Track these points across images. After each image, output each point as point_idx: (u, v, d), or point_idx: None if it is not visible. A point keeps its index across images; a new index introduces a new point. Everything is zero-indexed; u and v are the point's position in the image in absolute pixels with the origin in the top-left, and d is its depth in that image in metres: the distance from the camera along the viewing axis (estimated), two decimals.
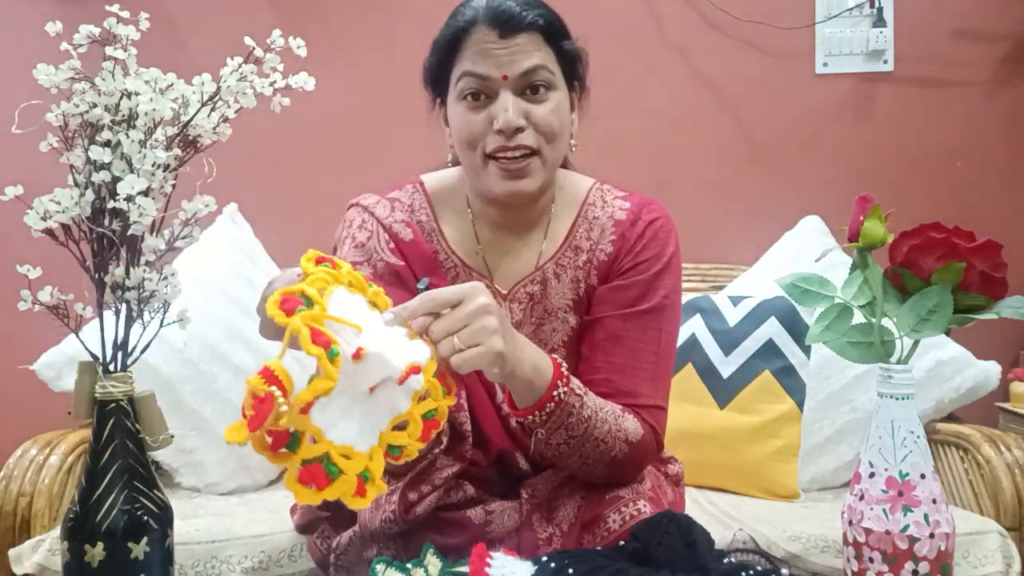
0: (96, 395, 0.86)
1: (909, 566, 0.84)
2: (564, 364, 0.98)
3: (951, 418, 1.80)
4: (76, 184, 0.85)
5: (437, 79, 1.09)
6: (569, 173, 1.19)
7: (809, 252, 1.80)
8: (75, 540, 0.83)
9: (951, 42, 2.21)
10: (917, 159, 2.21)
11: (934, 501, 0.85)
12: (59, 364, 1.62)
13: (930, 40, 2.20)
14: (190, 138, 0.88)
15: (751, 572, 0.83)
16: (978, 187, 2.22)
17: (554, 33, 1.05)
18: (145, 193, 0.83)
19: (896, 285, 0.91)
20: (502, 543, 1.01)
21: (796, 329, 1.68)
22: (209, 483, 1.68)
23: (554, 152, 1.06)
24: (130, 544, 0.83)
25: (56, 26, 0.86)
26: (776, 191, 2.20)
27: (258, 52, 0.88)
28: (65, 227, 0.85)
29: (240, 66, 0.88)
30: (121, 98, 0.85)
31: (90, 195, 0.84)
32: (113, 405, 0.86)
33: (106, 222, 0.84)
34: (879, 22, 2.18)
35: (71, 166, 0.85)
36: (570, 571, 0.83)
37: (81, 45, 0.86)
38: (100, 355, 0.87)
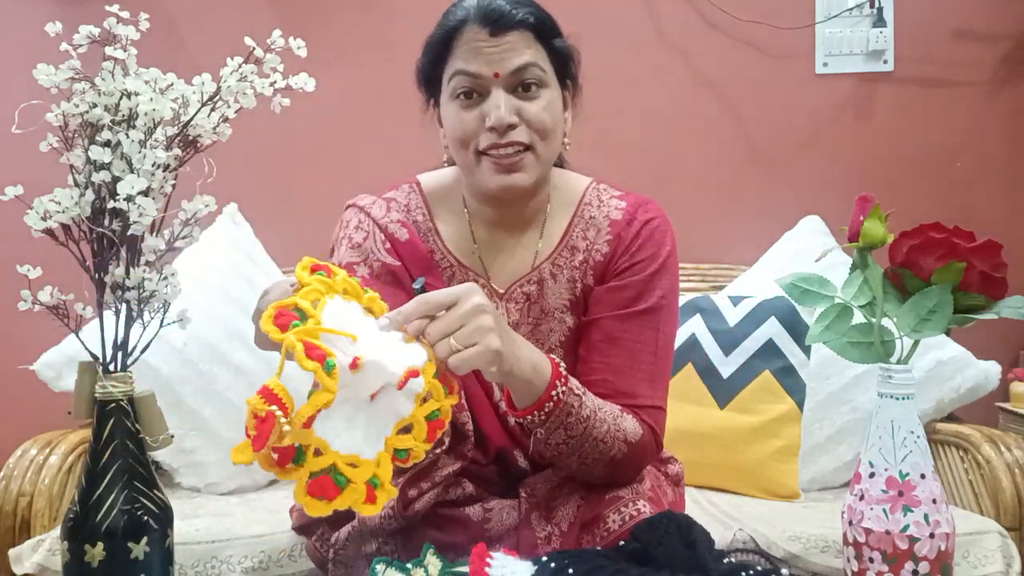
0: (96, 395, 0.86)
1: (909, 566, 0.84)
2: (563, 364, 0.98)
3: (951, 418, 1.80)
4: (76, 184, 0.85)
5: (430, 79, 1.10)
6: (565, 172, 1.20)
7: (809, 252, 1.80)
8: (75, 540, 0.83)
9: (951, 42, 2.20)
10: (917, 159, 2.21)
11: (934, 501, 0.85)
12: (59, 364, 1.62)
13: (930, 40, 2.20)
14: (190, 138, 0.88)
15: (751, 572, 0.83)
16: (978, 187, 2.22)
17: (545, 31, 1.06)
18: (145, 193, 0.83)
19: (896, 285, 0.91)
20: (500, 541, 1.01)
21: (796, 329, 1.68)
22: (209, 483, 1.68)
23: (547, 149, 1.06)
24: (130, 544, 0.83)
25: (56, 26, 0.86)
26: (776, 191, 2.20)
27: (258, 52, 0.88)
28: (65, 227, 0.85)
29: (240, 66, 0.88)
30: (121, 98, 0.85)
31: (90, 195, 0.84)
32: (113, 405, 0.86)
33: (106, 222, 0.84)
34: (879, 22, 2.18)
35: (71, 166, 0.85)
36: (570, 571, 0.83)
37: (81, 45, 0.86)
38: (100, 355, 0.87)
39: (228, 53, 0.89)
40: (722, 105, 2.22)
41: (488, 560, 0.85)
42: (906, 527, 0.84)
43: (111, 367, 0.87)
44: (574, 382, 0.98)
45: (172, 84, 0.88)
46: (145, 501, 0.85)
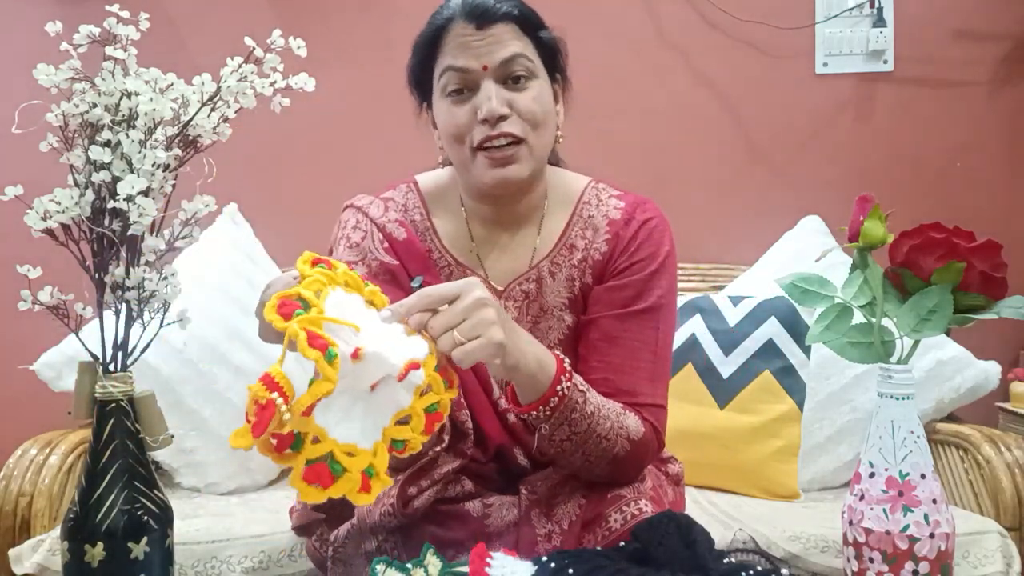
0: (96, 395, 0.86)
1: (909, 566, 0.84)
2: (567, 360, 0.98)
3: (951, 418, 1.80)
4: (76, 184, 0.85)
5: (421, 80, 1.11)
6: (564, 172, 1.20)
7: (809, 252, 1.81)
8: (75, 540, 0.83)
9: (951, 42, 2.21)
10: (917, 159, 2.21)
11: (934, 501, 0.85)
12: (59, 364, 1.62)
13: (930, 40, 2.20)
14: (190, 138, 0.88)
15: (751, 572, 0.83)
16: (978, 187, 2.22)
17: (529, 23, 1.07)
18: (145, 193, 0.83)
19: (896, 285, 0.91)
20: (500, 537, 1.01)
21: (796, 329, 1.68)
22: (209, 483, 1.68)
23: (540, 140, 1.07)
24: (130, 544, 0.83)
25: (56, 26, 0.86)
26: (776, 191, 2.20)
27: (258, 52, 0.88)
28: (65, 227, 0.85)
29: (240, 66, 0.88)
30: (121, 98, 0.85)
31: (90, 195, 0.84)
32: (113, 405, 0.86)
33: (106, 222, 0.84)
34: (879, 22, 2.18)
35: (71, 166, 0.85)
36: (570, 571, 0.83)
37: (81, 45, 0.86)
38: (100, 355, 0.87)
39: (228, 53, 0.89)
40: (722, 105, 2.22)
41: (488, 560, 0.85)
42: (906, 527, 0.84)
43: (111, 367, 0.87)
44: (578, 378, 0.99)
45: (172, 84, 0.88)
46: (145, 501, 0.85)
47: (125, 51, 0.86)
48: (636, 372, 1.07)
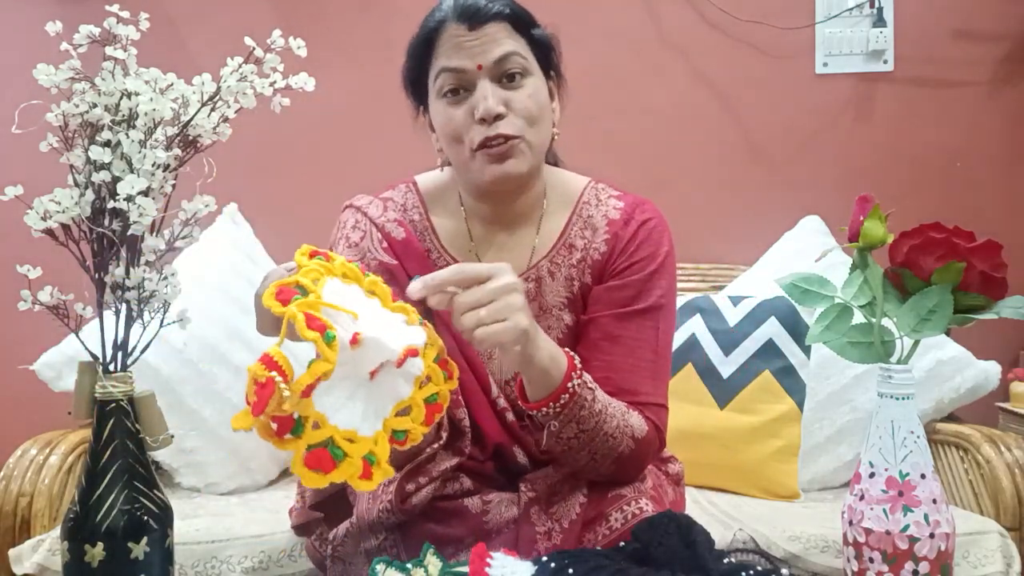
0: (96, 395, 0.86)
1: (909, 566, 0.84)
2: (577, 357, 0.98)
3: (951, 418, 1.80)
4: (76, 184, 0.85)
5: (416, 83, 1.11)
6: (563, 172, 1.20)
7: (809, 252, 1.80)
8: (75, 540, 0.83)
9: (951, 42, 2.20)
10: (917, 159, 2.21)
11: (934, 501, 0.85)
12: (59, 364, 1.62)
13: (930, 40, 2.20)
14: (190, 138, 0.88)
15: (751, 572, 0.83)
16: (978, 187, 2.22)
17: (521, 21, 1.07)
18: (145, 193, 0.83)
19: (896, 285, 0.91)
20: (499, 534, 1.01)
21: (796, 329, 1.68)
22: (209, 483, 1.68)
23: (537, 136, 1.07)
24: (130, 544, 0.83)
25: (56, 26, 0.86)
26: (776, 191, 2.20)
27: (258, 52, 0.88)
28: (65, 227, 0.85)
29: (240, 66, 0.88)
30: (121, 98, 0.85)
31: (90, 195, 0.84)
32: (113, 405, 0.86)
33: (106, 222, 0.84)
34: (879, 22, 2.18)
35: (71, 166, 0.85)
36: (570, 571, 0.83)
37: (81, 45, 0.86)
38: (100, 355, 0.87)
39: (228, 53, 0.89)
40: (722, 105, 2.22)
41: (488, 560, 0.85)
42: (906, 527, 0.84)
43: (111, 367, 0.87)
44: (587, 376, 0.99)
45: (172, 84, 0.88)
46: (145, 501, 0.85)
47: (125, 51, 0.86)
48: (637, 371, 1.07)
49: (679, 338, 1.75)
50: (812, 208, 2.05)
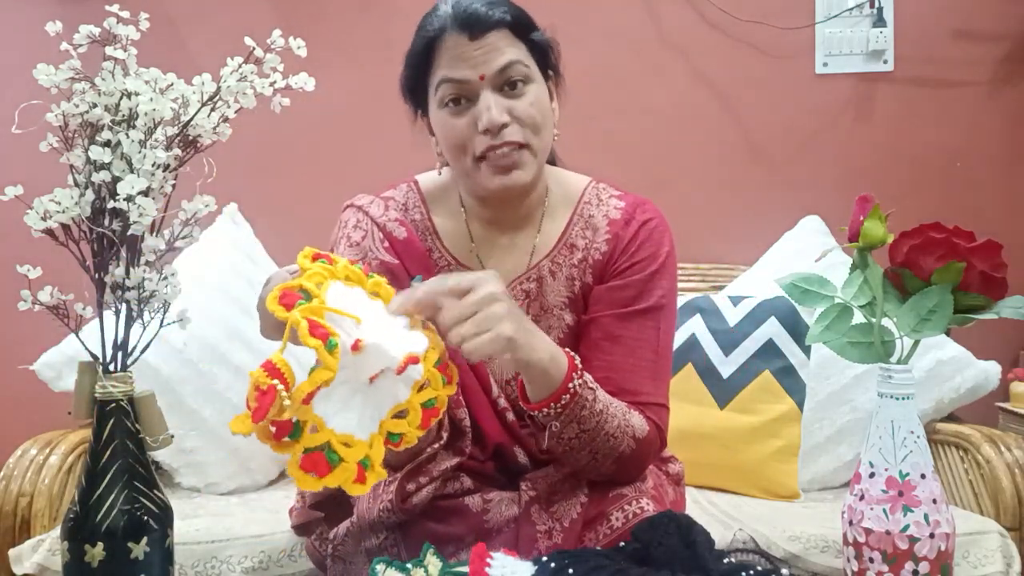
0: (96, 395, 0.86)
1: (909, 566, 0.84)
2: (577, 357, 0.98)
3: (951, 418, 1.80)
4: (76, 184, 0.85)
5: (414, 90, 1.11)
6: (564, 172, 1.20)
7: (809, 252, 1.80)
8: (75, 540, 0.83)
9: (951, 42, 2.20)
10: (917, 159, 2.21)
11: (934, 501, 0.85)
12: (59, 364, 1.62)
13: (930, 40, 2.20)
14: (190, 138, 0.88)
15: (751, 572, 0.83)
16: (978, 187, 2.22)
17: (522, 27, 1.06)
18: (145, 193, 0.83)
19: (896, 285, 0.91)
20: (500, 533, 1.01)
21: (796, 329, 1.68)
22: (209, 483, 1.68)
23: (541, 143, 1.07)
24: (130, 544, 0.83)
25: (56, 26, 0.86)
26: (776, 191, 2.20)
27: (258, 52, 0.88)
28: (65, 227, 0.85)
29: (240, 66, 0.88)
30: (121, 98, 0.85)
31: (90, 195, 0.84)
32: (113, 405, 0.86)
33: (106, 222, 0.84)
34: (879, 22, 2.18)
35: (71, 166, 0.85)
36: (570, 571, 0.83)
37: (81, 45, 0.86)
38: (100, 355, 0.87)
39: (228, 53, 0.89)
40: (722, 105, 2.22)
41: (488, 560, 0.85)
42: (906, 527, 0.84)
43: (111, 367, 0.87)
44: (588, 376, 0.99)
45: (172, 84, 0.88)
46: (145, 501, 0.85)
47: (125, 51, 0.86)
48: (638, 371, 1.07)
49: (679, 338, 1.75)
50: (812, 208, 2.05)
